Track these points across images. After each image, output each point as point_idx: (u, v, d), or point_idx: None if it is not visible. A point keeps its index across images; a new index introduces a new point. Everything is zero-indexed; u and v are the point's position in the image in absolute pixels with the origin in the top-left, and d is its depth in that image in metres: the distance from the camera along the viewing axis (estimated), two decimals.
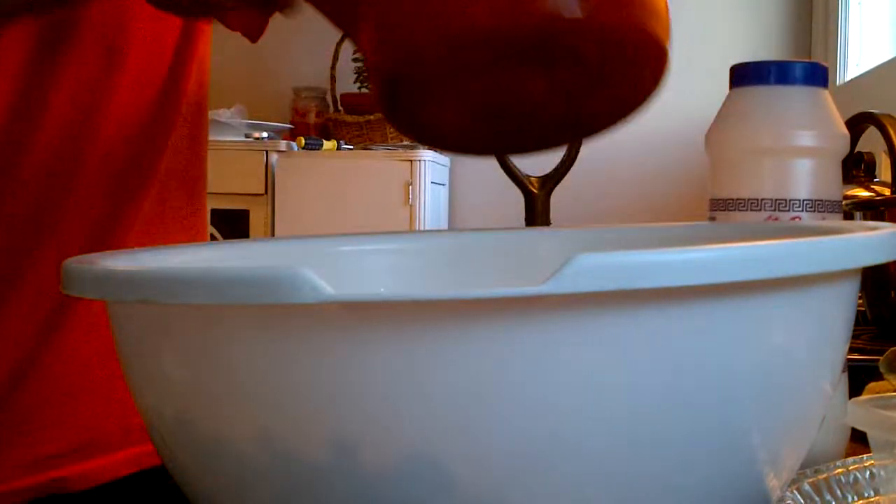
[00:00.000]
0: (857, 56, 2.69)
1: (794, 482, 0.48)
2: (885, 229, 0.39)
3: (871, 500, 0.49)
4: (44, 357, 0.69)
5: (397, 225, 2.40)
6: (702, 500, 0.38)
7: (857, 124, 1.04)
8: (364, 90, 2.71)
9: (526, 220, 1.03)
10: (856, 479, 0.50)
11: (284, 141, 2.49)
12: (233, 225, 2.48)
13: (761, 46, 2.86)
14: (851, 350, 0.66)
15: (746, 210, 0.60)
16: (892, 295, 0.92)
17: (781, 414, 0.39)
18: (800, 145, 0.59)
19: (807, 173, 0.59)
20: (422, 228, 2.42)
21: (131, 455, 0.72)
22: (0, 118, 0.66)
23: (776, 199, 0.59)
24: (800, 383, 0.39)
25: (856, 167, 1.21)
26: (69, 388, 0.71)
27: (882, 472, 0.47)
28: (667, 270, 0.32)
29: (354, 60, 2.71)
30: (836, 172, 0.61)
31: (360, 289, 0.33)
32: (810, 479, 0.49)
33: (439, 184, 2.66)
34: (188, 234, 0.77)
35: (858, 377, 0.68)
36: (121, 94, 0.70)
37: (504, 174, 1.04)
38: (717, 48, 2.84)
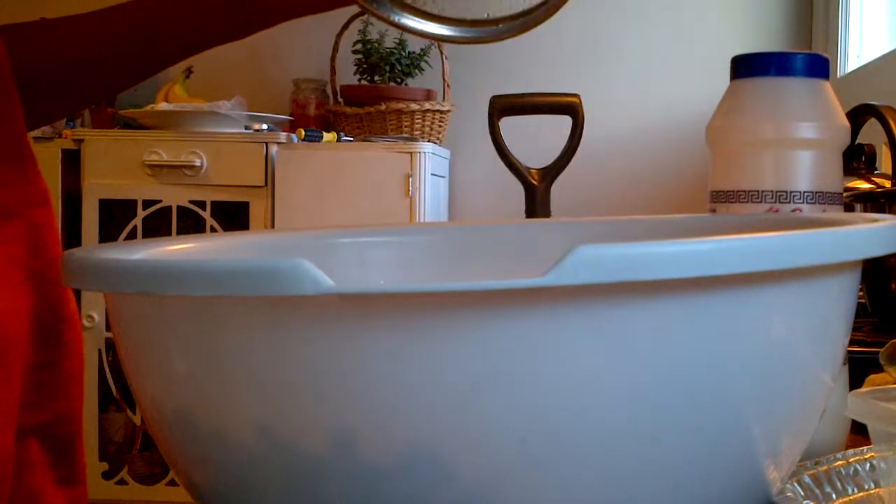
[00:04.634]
0: (857, 48, 2.68)
1: (795, 474, 0.48)
2: (885, 221, 0.39)
3: (872, 492, 0.49)
4: None
5: (397, 217, 2.39)
6: (703, 492, 0.38)
7: (857, 116, 1.04)
8: (364, 82, 2.71)
9: (526, 212, 1.02)
10: (856, 471, 0.50)
11: (284, 133, 2.48)
12: (232, 217, 2.48)
13: (762, 38, 2.85)
14: (852, 342, 0.66)
15: (747, 202, 0.59)
16: (893, 287, 0.92)
17: (782, 406, 0.39)
18: (800, 137, 0.59)
19: (807, 165, 0.59)
20: (422, 220, 2.41)
21: None
22: None
23: (777, 191, 0.59)
24: (800, 375, 0.39)
25: (856, 159, 1.20)
26: None
27: (882, 464, 0.47)
28: (667, 262, 0.32)
29: (354, 52, 2.70)
30: (837, 164, 0.61)
31: (360, 281, 0.33)
32: (811, 472, 0.49)
33: (439, 176, 2.65)
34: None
35: (859, 369, 0.68)
36: None
37: (504, 166, 1.03)
38: (718, 39, 2.83)
